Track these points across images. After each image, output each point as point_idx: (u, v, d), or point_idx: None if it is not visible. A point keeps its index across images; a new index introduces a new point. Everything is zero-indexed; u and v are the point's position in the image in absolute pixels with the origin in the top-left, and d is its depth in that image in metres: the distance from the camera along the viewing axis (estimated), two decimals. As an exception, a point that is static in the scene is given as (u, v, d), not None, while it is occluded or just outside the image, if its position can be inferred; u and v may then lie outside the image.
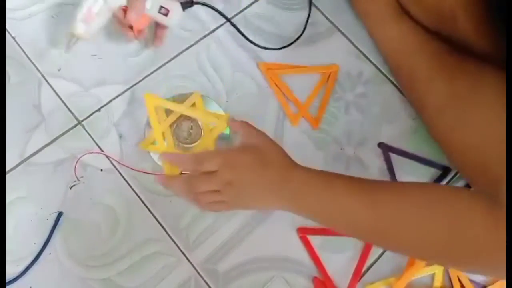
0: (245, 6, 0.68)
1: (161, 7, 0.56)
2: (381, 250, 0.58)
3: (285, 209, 0.50)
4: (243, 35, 0.65)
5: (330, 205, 0.47)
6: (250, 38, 0.66)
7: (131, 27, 0.58)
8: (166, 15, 0.56)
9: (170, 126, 0.59)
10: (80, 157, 0.57)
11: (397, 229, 0.45)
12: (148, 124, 0.59)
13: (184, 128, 0.59)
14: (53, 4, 0.65)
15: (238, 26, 0.66)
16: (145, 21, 0.58)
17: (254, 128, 0.54)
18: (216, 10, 0.65)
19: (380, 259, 0.58)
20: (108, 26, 0.58)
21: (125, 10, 0.55)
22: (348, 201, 0.46)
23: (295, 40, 0.66)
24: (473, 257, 0.43)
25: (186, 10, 0.60)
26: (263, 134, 0.53)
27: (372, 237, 0.48)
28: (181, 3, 0.59)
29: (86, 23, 0.53)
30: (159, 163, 0.57)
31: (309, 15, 0.68)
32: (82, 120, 0.60)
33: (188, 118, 0.59)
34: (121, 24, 0.59)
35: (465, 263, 0.45)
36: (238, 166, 0.49)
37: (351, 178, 0.48)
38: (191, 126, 0.59)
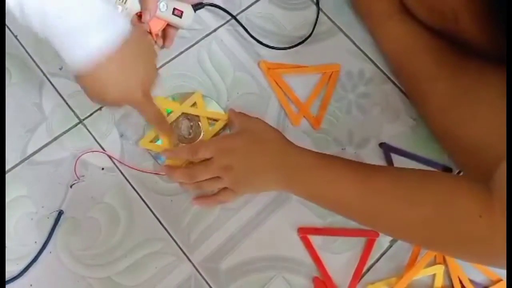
0: (246, 5, 0.68)
1: (175, 9, 0.57)
2: (382, 251, 0.58)
3: (283, 187, 0.51)
4: (251, 36, 0.65)
5: (323, 184, 0.48)
6: (251, 37, 0.66)
7: (148, 33, 0.59)
8: (180, 16, 0.57)
9: (170, 125, 0.59)
10: (81, 155, 0.57)
11: (387, 210, 0.45)
12: (147, 123, 0.59)
13: (183, 127, 0.59)
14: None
15: (239, 26, 0.66)
16: (160, 24, 0.58)
17: (248, 115, 0.56)
18: (225, 11, 0.65)
19: (381, 259, 0.57)
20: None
21: (140, 15, 0.56)
22: (341, 181, 0.47)
23: (304, 40, 0.66)
24: (468, 245, 0.43)
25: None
26: (257, 119, 0.55)
27: (361, 216, 0.48)
28: (192, 5, 0.59)
29: (121, 6, 0.54)
30: (159, 161, 0.57)
31: (317, 17, 0.68)
32: (84, 119, 0.60)
33: (187, 117, 0.59)
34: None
35: (453, 250, 0.45)
36: (234, 149, 0.51)
37: (346, 160, 0.50)
38: (191, 126, 0.59)
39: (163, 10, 0.56)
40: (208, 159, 0.52)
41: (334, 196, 0.48)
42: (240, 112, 0.58)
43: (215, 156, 0.51)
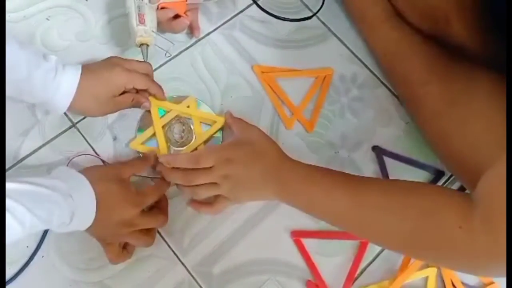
0: (240, 10, 0.68)
1: None
2: (375, 254, 0.58)
3: (277, 198, 0.52)
4: (269, 13, 0.67)
5: (315, 196, 0.50)
6: (245, 41, 0.66)
7: (175, 17, 0.60)
8: None
9: (163, 128, 0.59)
10: (72, 158, 0.57)
11: (375, 222, 0.47)
12: (139, 125, 0.59)
13: (176, 131, 0.59)
14: (47, 7, 0.65)
15: (233, 30, 0.67)
16: (182, 4, 0.59)
17: (247, 123, 0.57)
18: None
19: (374, 262, 0.58)
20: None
21: (163, 7, 0.57)
22: (333, 193, 0.49)
23: (317, 12, 0.68)
24: (449, 254, 0.44)
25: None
26: (256, 128, 0.56)
27: (351, 227, 0.50)
28: None
29: (142, 25, 0.56)
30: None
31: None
32: (77, 123, 0.60)
33: (180, 121, 0.59)
34: (165, 22, 0.60)
35: (442, 261, 0.47)
36: (233, 160, 0.52)
37: (338, 173, 0.51)
38: (183, 130, 0.59)
39: None
40: (208, 167, 0.52)
41: (325, 208, 0.50)
42: (238, 118, 0.59)
43: (216, 165, 0.52)
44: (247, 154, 0.53)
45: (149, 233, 0.53)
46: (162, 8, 0.58)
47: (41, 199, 0.44)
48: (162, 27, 0.61)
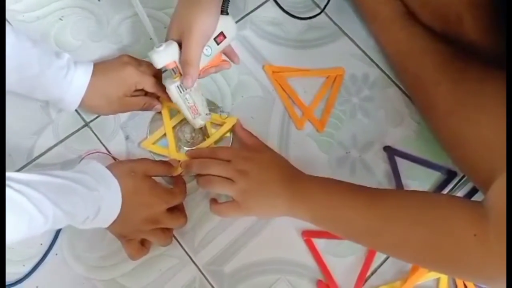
0: (250, 9, 0.69)
1: (215, 38, 0.53)
2: (386, 255, 0.58)
3: (287, 209, 0.51)
4: (286, 11, 0.67)
5: (329, 208, 0.50)
6: (256, 41, 0.66)
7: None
8: (223, 39, 0.54)
9: (173, 128, 0.59)
10: (85, 156, 0.58)
11: (389, 234, 0.47)
12: (150, 125, 0.60)
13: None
14: (60, 7, 0.66)
15: (244, 29, 0.67)
16: (217, 59, 0.57)
17: (259, 140, 0.58)
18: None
19: (385, 263, 0.57)
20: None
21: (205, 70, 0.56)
22: (347, 206, 0.49)
23: (324, 8, 0.68)
24: (463, 264, 0.43)
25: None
26: (267, 146, 0.57)
27: (363, 239, 0.50)
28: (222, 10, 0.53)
29: (197, 115, 0.55)
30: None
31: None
32: (90, 122, 0.60)
33: None
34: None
35: (457, 272, 0.46)
36: (252, 159, 0.53)
37: (352, 185, 0.51)
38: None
39: (209, 54, 0.53)
40: (226, 161, 0.53)
41: (339, 220, 0.50)
42: (249, 132, 0.59)
43: (234, 159, 0.53)
44: (265, 158, 0.54)
45: (168, 232, 0.53)
46: (204, 71, 0.56)
47: (66, 192, 0.44)
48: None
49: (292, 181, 0.52)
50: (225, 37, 0.54)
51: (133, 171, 0.51)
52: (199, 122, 0.56)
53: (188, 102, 0.53)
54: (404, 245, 0.46)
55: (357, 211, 0.48)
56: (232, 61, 0.60)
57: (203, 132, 0.60)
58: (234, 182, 0.51)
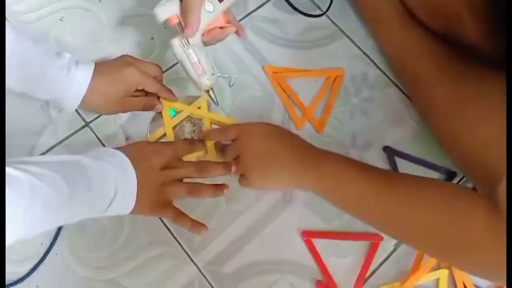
0: (251, 10, 0.69)
1: None
2: (385, 255, 0.58)
3: (297, 180, 0.51)
4: (294, 8, 0.67)
5: (343, 182, 0.49)
6: (256, 41, 0.66)
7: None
8: None
9: (173, 128, 0.59)
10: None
11: (404, 219, 0.46)
12: (151, 125, 0.60)
13: (186, 130, 0.59)
14: (60, 8, 0.66)
15: (245, 29, 0.67)
16: (223, 15, 0.57)
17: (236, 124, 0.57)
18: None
19: (385, 263, 0.57)
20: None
21: (209, 30, 0.56)
22: (360, 181, 0.48)
23: (326, 10, 0.68)
24: (471, 256, 0.44)
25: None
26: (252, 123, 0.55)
27: (373, 218, 0.49)
28: None
29: (202, 73, 0.55)
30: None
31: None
32: (90, 122, 0.60)
33: (191, 121, 0.60)
34: (214, 40, 0.59)
35: (464, 263, 0.46)
36: (255, 132, 0.53)
37: (366, 164, 0.50)
38: (194, 130, 0.59)
39: (211, 10, 0.54)
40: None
41: (350, 196, 0.49)
42: (224, 128, 0.58)
43: (238, 135, 0.53)
44: (270, 129, 0.53)
45: (184, 215, 0.52)
46: (208, 31, 0.56)
47: (79, 169, 0.44)
48: (212, 43, 0.59)
49: (304, 153, 0.51)
50: None
51: (145, 151, 0.51)
52: (204, 81, 0.54)
53: (192, 58, 0.53)
54: (414, 230, 0.46)
55: (370, 190, 0.47)
56: (239, 35, 0.60)
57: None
58: (240, 158, 0.52)
